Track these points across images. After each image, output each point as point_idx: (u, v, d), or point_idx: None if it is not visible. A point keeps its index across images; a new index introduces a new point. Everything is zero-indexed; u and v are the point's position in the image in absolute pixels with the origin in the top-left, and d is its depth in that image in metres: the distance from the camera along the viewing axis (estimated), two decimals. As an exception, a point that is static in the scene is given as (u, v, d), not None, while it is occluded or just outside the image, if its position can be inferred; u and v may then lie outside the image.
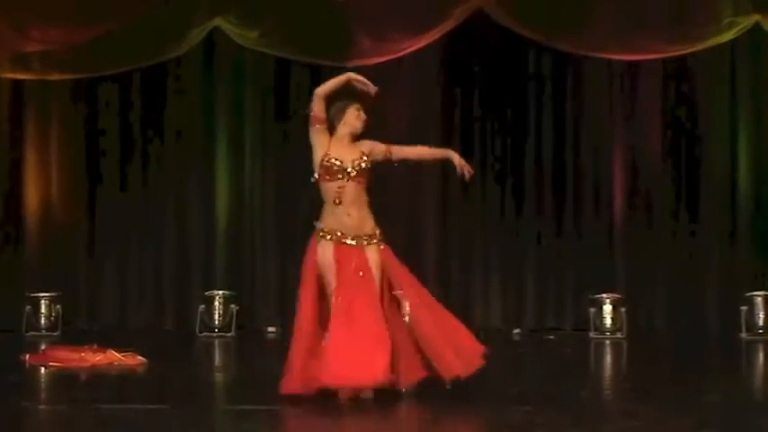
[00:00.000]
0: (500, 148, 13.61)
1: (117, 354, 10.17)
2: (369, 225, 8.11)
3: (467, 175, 8.39)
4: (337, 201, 7.99)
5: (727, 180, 13.31)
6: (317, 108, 8.11)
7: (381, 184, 13.10)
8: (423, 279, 12.71)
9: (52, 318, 12.92)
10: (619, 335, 12.67)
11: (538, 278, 13.48)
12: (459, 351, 8.09)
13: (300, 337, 7.96)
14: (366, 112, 8.28)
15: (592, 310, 12.81)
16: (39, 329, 12.85)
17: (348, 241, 8.00)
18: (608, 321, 12.75)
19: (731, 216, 13.30)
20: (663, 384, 9.36)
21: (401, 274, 8.17)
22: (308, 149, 13.26)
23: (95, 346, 10.40)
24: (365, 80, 8.30)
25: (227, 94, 13.38)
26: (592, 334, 12.72)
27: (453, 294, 13.36)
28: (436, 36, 12.94)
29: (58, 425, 7.56)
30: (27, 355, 10.42)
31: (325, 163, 8.01)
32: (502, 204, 13.52)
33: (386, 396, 7.95)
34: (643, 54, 12.93)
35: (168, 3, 12.82)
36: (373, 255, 8.05)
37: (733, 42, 13.03)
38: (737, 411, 7.92)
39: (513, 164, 13.59)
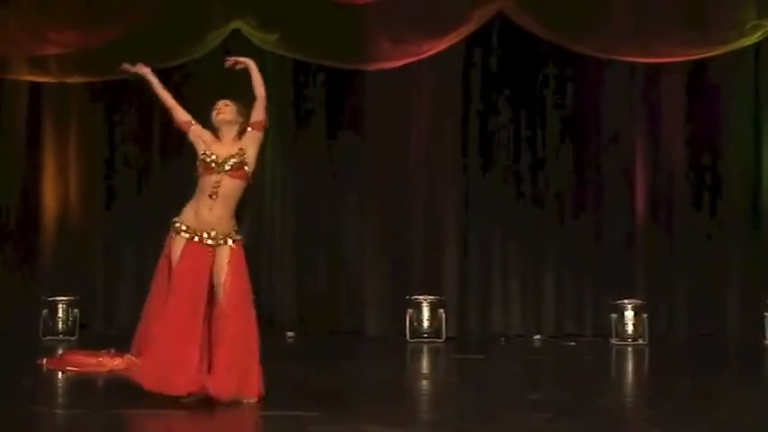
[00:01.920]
0: (519, 151, 13.62)
1: (135, 359, 10.09)
2: (226, 224, 8.11)
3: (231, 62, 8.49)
4: (213, 195, 8.01)
5: (749, 185, 13.30)
6: (176, 115, 8.35)
7: (398, 188, 13.50)
8: (442, 284, 13.30)
9: (69, 322, 12.97)
10: (640, 341, 12.66)
11: (558, 283, 13.49)
12: (242, 374, 8.04)
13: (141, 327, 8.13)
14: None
15: (613, 316, 12.80)
16: (56, 333, 12.89)
17: (204, 239, 8.04)
18: (629, 328, 12.75)
19: (753, 221, 13.28)
20: (683, 391, 9.36)
21: (238, 276, 8.10)
22: (324, 154, 13.60)
23: (113, 351, 10.13)
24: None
25: (245, 98, 13.34)
26: (613, 340, 12.72)
27: (472, 299, 13.48)
28: (456, 39, 12.94)
29: (73, 430, 7.58)
30: (44, 360, 10.13)
31: (201, 157, 8.08)
32: (522, 209, 13.53)
33: (395, 401, 7.86)
34: (663, 57, 12.90)
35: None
36: (223, 256, 8.05)
37: (757, 46, 13.00)
38: (757, 419, 7.91)
39: (533, 167, 13.59)
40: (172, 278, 8.04)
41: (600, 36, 12.65)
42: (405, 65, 12.97)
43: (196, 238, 8.04)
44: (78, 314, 13.04)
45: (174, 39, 12.72)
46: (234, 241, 8.07)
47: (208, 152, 8.09)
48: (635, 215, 13.43)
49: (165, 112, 8.48)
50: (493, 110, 13.63)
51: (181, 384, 7.88)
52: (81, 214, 13.67)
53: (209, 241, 8.03)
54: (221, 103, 8.26)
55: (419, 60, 13.06)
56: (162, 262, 8.23)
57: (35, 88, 13.51)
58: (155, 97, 13.31)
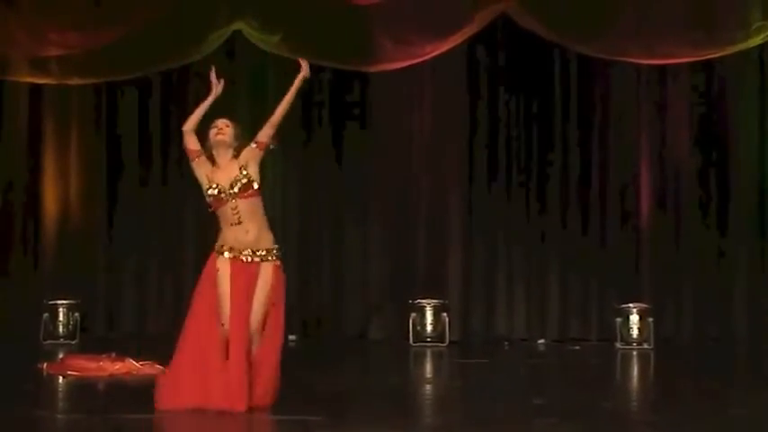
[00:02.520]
0: (525, 154, 13.62)
1: (136, 363, 10.19)
2: (266, 240, 8.11)
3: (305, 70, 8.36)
4: (236, 221, 7.99)
5: (756, 187, 13.29)
6: (188, 142, 8.13)
7: (401, 190, 13.49)
8: (446, 287, 13.32)
9: (70, 326, 12.97)
10: (646, 345, 12.64)
11: (562, 287, 13.47)
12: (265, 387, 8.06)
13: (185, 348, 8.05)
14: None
15: (618, 320, 12.78)
16: (56, 337, 12.89)
17: (244, 257, 8.01)
18: (635, 332, 12.72)
19: (760, 222, 13.28)
20: (689, 396, 9.37)
21: (277, 297, 8.13)
22: (327, 156, 13.60)
23: (114, 355, 10.41)
24: (212, 77, 8.24)
25: (247, 99, 13.35)
26: (618, 344, 12.70)
27: (476, 303, 13.50)
28: (460, 40, 12.93)
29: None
30: (45, 364, 10.44)
31: (209, 193, 8.02)
32: (526, 211, 13.52)
33: (398, 406, 7.89)
34: (667, 59, 12.88)
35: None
36: (266, 271, 8.06)
37: (762, 48, 13.01)
38: (763, 425, 7.90)
39: (538, 170, 13.59)
40: (232, 297, 7.94)
41: (606, 37, 12.63)
42: (408, 66, 12.97)
43: (241, 257, 8.00)
44: (79, 318, 13.04)
45: (175, 40, 12.72)
46: (277, 258, 8.10)
47: (212, 185, 8.01)
48: (640, 217, 13.43)
49: (182, 127, 8.25)
50: (497, 112, 13.63)
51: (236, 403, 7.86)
52: (82, 216, 13.67)
53: (256, 258, 8.01)
54: (221, 123, 8.13)
55: (422, 62, 13.05)
56: (203, 284, 8.10)
57: (36, 90, 13.52)
58: (158, 99, 13.58)
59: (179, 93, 13.55)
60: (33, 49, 12.93)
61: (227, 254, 7.99)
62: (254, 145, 8.08)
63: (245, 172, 8.01)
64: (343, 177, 13.64)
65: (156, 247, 13.60)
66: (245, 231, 7.99)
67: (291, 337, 13.14)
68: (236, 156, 8.09)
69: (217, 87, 8.15)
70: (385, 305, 13.36)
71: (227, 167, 8.06)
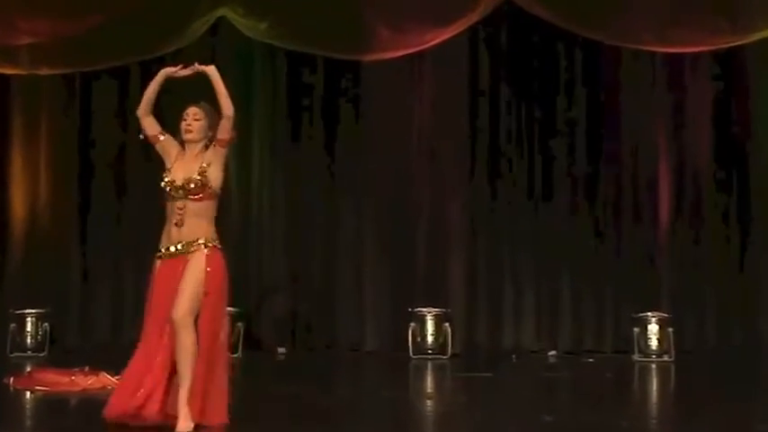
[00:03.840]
0: (530, 151, 13.52)
1: (111, 377, 10.02)
2: (202, 231, 7.89)
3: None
4: (180, 222, 7.84)
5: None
6: (145, 127, 8.06)
7: (400, 190, 13.37)
8: (448, 295, 13.15)
9: (39, 337, 12.85)
10: (666, 357, 12.63)
11: (575, 295, 13.37)
12: (208, 401, 7.81)
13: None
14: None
15: (635, 330, 12.75)
16: (24, 350, 12.78)
17: (172, 249, 7.86)
18: (653, 343, 12.70)
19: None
20: (712, 412, 9.31)
21: (216, 291, 7.86)
22: (319, 154, 13.47)
23: (87, 369, 10.40)
24: (177, 68, 8.13)
25: (232, 90, 13.15)
26: (635, 356, 12.67)
27: (481, 312, 13.40)
28: (461, 28, 12.81)
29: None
30: (11, 378, 10.39)
31: (161, 184, 7.94)
32: (534, 212, 13.43)
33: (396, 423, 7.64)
34: (688, 47, 12.73)
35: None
36: (195, 259, 7.81)
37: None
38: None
39: (545, 169, 13.49)
40: (147, 304, 7.93)
41: (618, 23, 12.48)
42: (406, 55, 12.87)
43: (167, 254, 7.87)
44: (49, 328, 12.91)
45: (156, 28, 12.56)
46: (209, 247, 7.85)
47: (167, 179, 7.88)
48: (658, 220, 13.35)
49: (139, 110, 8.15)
50: (501, 106, 13.56)
51: (150, 414, 7.75)
52: (52, 219, 13.53)
53: (179, 247, 7.83)
54: (191, 116, 7.99)
55: (421, 51, 12.96)
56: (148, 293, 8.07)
57: (3, 81, 13.36)
58: (135, 91, 13.36)
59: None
60: (1, 37, 12.71)
61: (157, 259, 7.92)
62: (215, 145, 7.91)
63: (204, 174, 7.85)
64: (335, 176, 13.55)
65: (132, 251, 13.36)
66: (179, 230, 7.85)
67: (281, 350, 13.11)
68: (207, 147, 7.95)
69: (187, 69, 8.05)
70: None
71: (190, 161, 7.94)
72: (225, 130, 7.88)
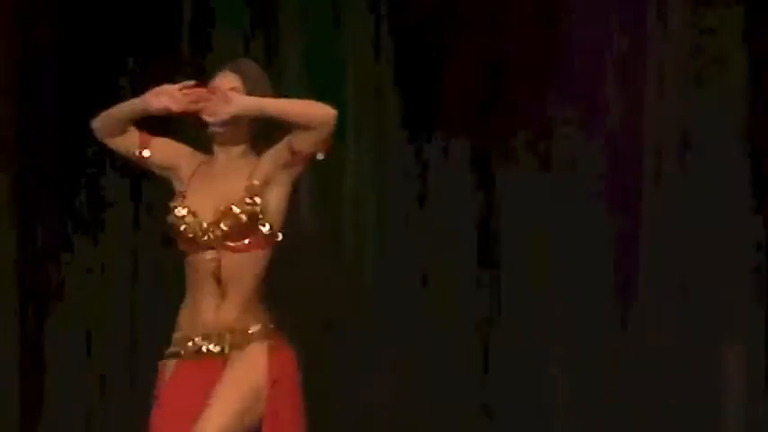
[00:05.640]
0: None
1: None
2: (249, 319, 4.58)
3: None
4: (211, 283, 4.54)
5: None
6: (117, 146, 4.69)
7: (412, 200, 12.44)
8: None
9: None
10: None
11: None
12: None
13: None
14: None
15: None
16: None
17: (200, 343, 4.56)
18: None
19: None
20: None
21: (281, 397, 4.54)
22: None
23: None
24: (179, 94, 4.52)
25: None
26: None
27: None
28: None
29: None
30: None
31: (170, 221, 4.59)
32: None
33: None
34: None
35: None
36: (249, 357, 4.53)
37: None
38: None
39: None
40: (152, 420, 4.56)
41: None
42: None
43: (191, 351, 4.59)
44: None
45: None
46: (270, 338, 4.57)
47: (180, 205, 4.55)
48: None
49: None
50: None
51: None
52: None
53: (218, 348, 4.55)
54: (225, 81, 4.51)
55: None
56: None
57: None
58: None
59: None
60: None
61: (174, 354, 4.63)
62: (286, 152, 4.51)
63: (252, 195, 4.51)
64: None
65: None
66: (216, 306, 4.58)
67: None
68: (255, 151, 4.63)
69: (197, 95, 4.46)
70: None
71: (224, 176, 4.59)
72: (312, 140, 4.46)
